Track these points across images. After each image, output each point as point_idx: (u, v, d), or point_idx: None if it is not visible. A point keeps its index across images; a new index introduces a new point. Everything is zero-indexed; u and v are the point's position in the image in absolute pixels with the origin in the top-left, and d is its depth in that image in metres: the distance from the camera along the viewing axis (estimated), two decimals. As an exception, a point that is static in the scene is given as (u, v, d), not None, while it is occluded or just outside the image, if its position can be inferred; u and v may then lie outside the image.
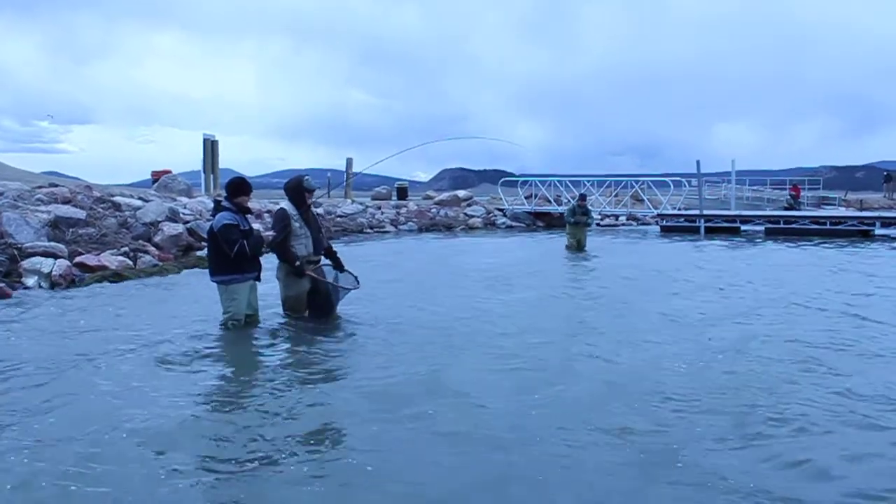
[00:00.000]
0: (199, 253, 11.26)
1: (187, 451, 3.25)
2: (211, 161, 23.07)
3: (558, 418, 3.68)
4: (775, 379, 4.41)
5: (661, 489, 2.88)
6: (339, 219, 19.34)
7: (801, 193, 28.43)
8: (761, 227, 18.94)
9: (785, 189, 29.43)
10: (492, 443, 3.35)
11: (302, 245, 5.91)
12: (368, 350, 5.25)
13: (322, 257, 6.26)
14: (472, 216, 22.64)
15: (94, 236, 10.40)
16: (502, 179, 27.12)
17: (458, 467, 3.10)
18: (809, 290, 8.09)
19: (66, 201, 11.55)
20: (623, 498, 2.83)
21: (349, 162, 25.37)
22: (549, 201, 24.13)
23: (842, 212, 23.80)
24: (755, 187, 29.99)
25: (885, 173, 31.65)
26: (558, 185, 24.21)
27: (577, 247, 13.44)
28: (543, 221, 22.92)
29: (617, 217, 24.13)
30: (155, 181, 19.84)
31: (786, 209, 24.90)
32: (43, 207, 10.79)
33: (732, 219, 19.85)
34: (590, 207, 14.29)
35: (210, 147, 23.08)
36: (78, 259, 9.15)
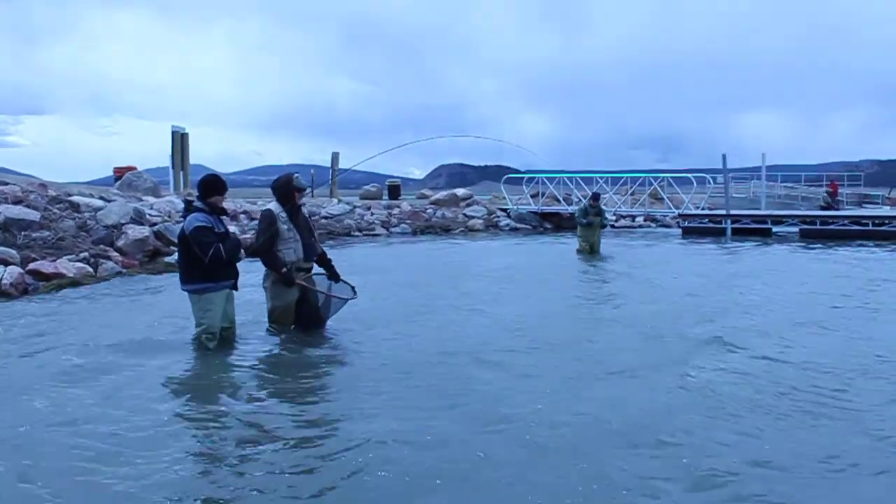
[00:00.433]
0: (167, 259, 11.28)
1: None
2: (181, 156, 23.11)
3: None
4: None
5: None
6: (323, 220, 19.37)
7: (840, 191, 28.55)
8: (795, 229, 18.98)
9: (821, 186, 29.56)
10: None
11: (290, 250, 5.90)
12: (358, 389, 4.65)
13: (314, 265, 6.24)
14: (472, 217, 22.69)
15: (50, 240, 10.40)
16: (506, 176, 27.21)
17: None
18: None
19: (18, 201, 11.54)
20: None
21: (335, 157, 25.44)
22: (558, 200, 24.18)
23: (886, 211, 23.89)
24: (788, 184, 30.08)
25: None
26: (568, 182, 24.27)
27: (590, 251, 13.50)
28: (551, 223, 22.97)
29: (633, 218, 24.22)
30: (118, 179, 19.88)
31: (822, 208, 24.97)
32: (-8, 208, 10.79)
33: (763, 219, 19.89)
34: (603, 207, 14.33)
35: (179, 140, 23.11)
36: (32, 266, 9.16)
